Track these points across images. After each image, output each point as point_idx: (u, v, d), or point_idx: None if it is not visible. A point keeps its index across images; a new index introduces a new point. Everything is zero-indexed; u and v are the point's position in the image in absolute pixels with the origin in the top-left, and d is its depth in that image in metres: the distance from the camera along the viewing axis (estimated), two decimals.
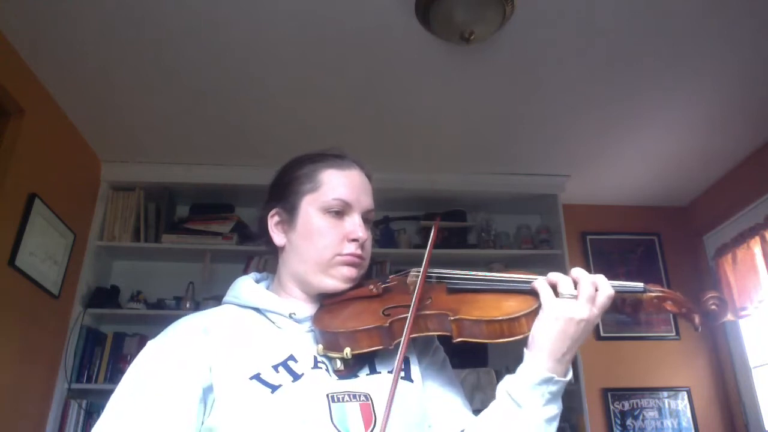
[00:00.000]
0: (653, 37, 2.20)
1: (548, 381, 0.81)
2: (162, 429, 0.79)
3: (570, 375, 0.85)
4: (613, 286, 0.87)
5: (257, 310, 0.95)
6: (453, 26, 2.01)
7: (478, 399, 2.69)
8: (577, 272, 0.87)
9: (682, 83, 2.49)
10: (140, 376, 0.84)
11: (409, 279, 0.97)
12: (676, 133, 2.87)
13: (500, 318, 0.83)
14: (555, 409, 0.83)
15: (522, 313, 0.84)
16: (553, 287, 0.86)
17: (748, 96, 2.58)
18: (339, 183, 0.97)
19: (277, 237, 1.00)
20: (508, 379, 0.85)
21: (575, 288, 0.85)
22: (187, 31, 2.14)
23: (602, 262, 3.47)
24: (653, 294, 0.89)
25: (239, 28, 2.12)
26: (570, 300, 0.84)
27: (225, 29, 2.13)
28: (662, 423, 3.17)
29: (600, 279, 0.86)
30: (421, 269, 0.92)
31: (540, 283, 0.87)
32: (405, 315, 0.87)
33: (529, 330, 0.84)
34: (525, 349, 0.85)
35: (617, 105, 2.63)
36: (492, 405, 0.87)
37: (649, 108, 2.66)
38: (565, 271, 0.89)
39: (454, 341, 0.86)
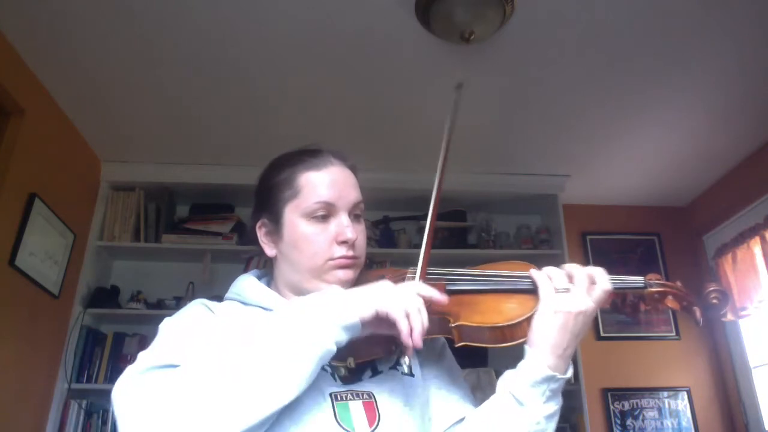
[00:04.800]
0: (653, 37, 2.19)
1: (549, 379, 0.82)
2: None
3: (570, 372, 0.85)
4: (614, 282, 0.88)
5: (263, 308, 0.94)
6: (453, 26, 2.01)
7: (479, 399, 2.68)
8: (571, 266, 0.88)
9: (682, 83, 2.49)
10: (172, 324, 0.85)
11: (406, 280, 0.96)
12: (676, 133, 2.87)
13: (502, 324, 0.84)
14: (555, 405, 0.83)
15: (524, 317, 0.84)
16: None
17: (748, 96, 2.58)
18: (318, 184, 0.93)
19: (268, 248, 0.98)
20: (508, 376, 0.85)
21: (570, 282, 0.86)
22: (187, 32, 2.14)
23: (602, 262, 3.36)
24: (654, 289, 0.89)
25: (239, 28, 2.12)
26: (566, 294, 0.85)
27: (225, 29, 2.13)
28: (662, 423, 3.17)
29: (598, 272, 0.87)
30: (418, 269, 0.91)
31: (540, 277, 0.87)
32: None
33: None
34: (526, 346, 0.85)
35: (617, 105, 2.63)
36: (492, 400, 0.87)
37: (649, 108, 2.66)
38: None
39: (456, 345, 0.86)
